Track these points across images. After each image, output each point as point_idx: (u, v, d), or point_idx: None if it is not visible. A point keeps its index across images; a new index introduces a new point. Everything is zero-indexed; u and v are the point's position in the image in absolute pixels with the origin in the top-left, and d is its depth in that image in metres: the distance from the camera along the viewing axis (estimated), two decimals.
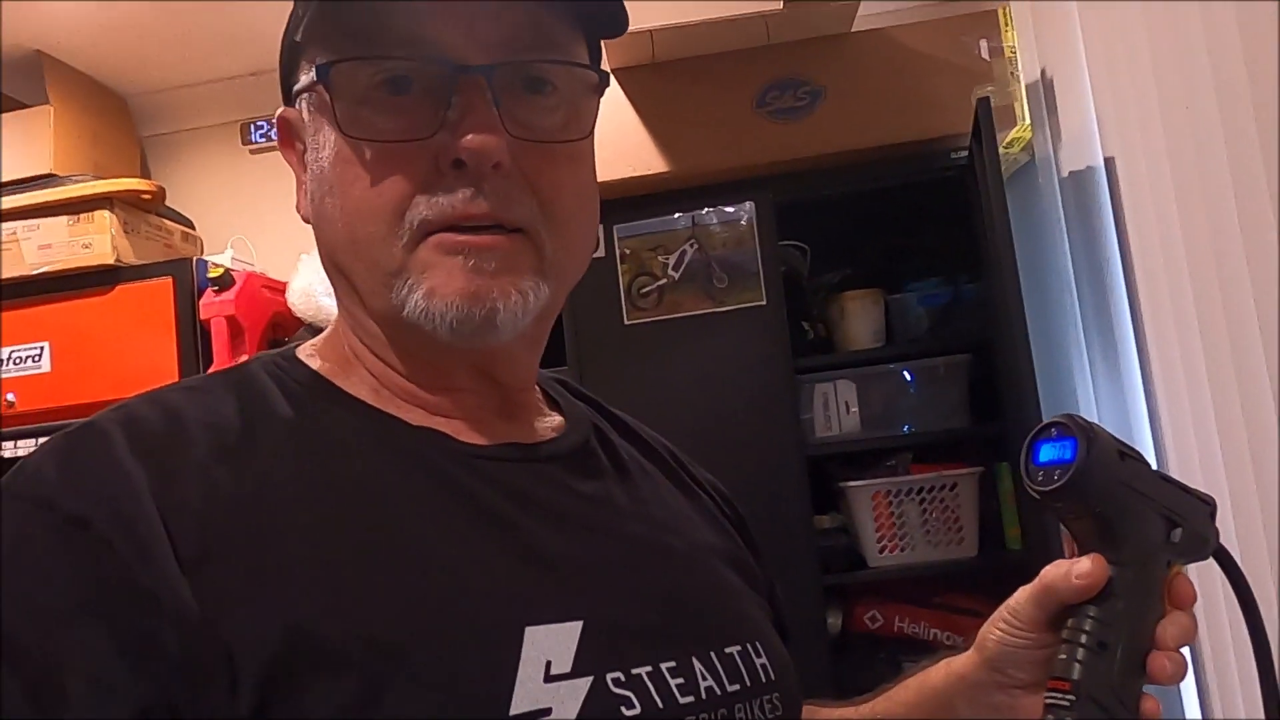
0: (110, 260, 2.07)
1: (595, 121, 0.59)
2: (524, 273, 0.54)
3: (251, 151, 2.65)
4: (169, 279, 2.08)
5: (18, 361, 2.13)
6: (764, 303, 1.82)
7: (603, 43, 1.87)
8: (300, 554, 0.48)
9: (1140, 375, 1.41)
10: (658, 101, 1.82)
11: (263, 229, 2.49)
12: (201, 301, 2.05)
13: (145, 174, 2.63)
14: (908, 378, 1.91)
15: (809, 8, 1.72)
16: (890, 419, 1.91)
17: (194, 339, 2.05)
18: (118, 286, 2.09)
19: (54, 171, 2.22)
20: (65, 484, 0.47)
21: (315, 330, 2.03)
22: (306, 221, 0.59)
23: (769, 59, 1.80)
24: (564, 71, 0.56)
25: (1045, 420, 0.50)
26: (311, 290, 2.00)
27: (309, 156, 0.58)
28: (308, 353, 0.60)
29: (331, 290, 1.98)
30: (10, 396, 2.11)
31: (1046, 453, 0.49)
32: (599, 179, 1.96)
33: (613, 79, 1.79)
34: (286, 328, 2.12)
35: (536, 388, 0.65)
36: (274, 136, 2.22)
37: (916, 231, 2.05)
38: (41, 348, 2.12)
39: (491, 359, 0.58)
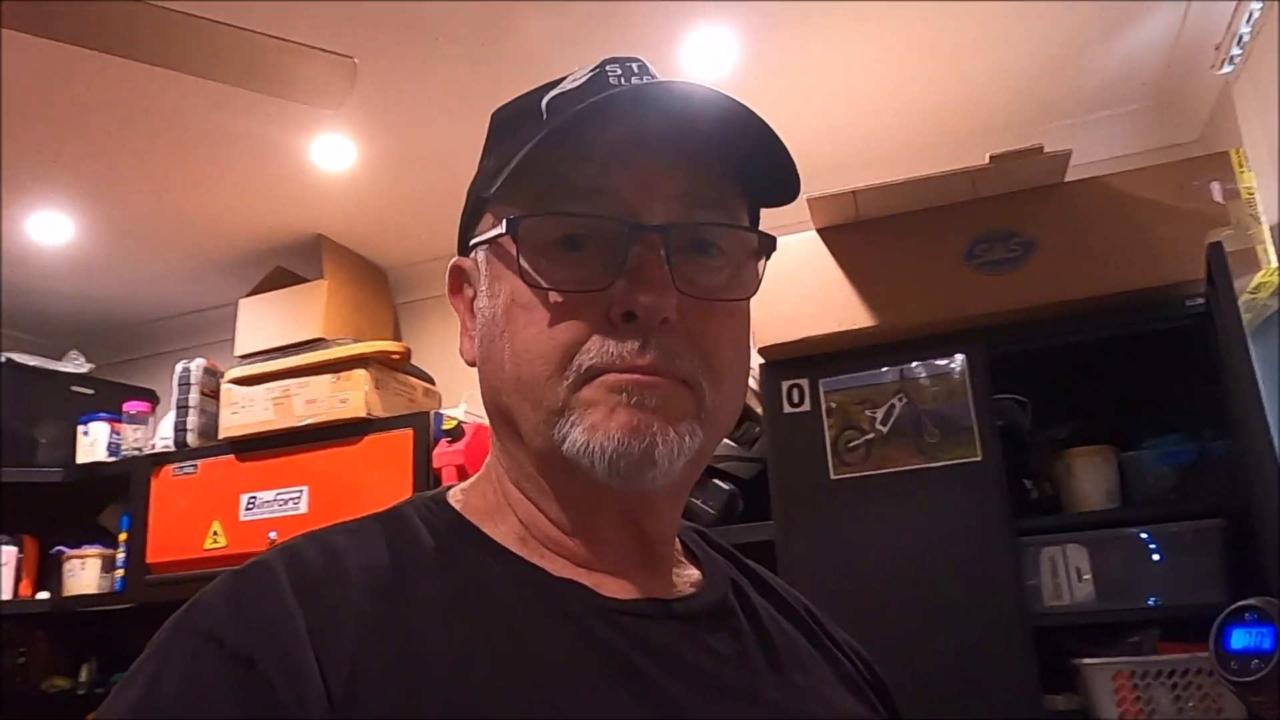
0: (363, 414, 2.31)
1: (759, 283, 0.61)
2: (683, 416, 0.56)
3: None
4: (410, 430, 2.28)
5: (282, 503, 2.38)
6: (980, 458, 1.74)
7: (808, 203, 1.90)
8: (446, 703, 0.49)
9: None
10: (862, 257, 1.84)
11: None
12: (435, 451, 2.23)
13: (397, 336, 2.94)
14: (1149, 543, 1.73)
15: (1018, 160, 1.70)
16: (1131, 589, 1.72)
17: (427, 485, 2.21)
18: (366, 437, 2.32)
19: (323, 336, 2.54)
20: (235, 621, 0.49)
21: None
22: (470, 364, 0.63)
23: (976, 212, 1.78)
24: (730, 234, 0.59)
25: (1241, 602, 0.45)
26: None
27: (480, 303, 0.61)
28: (457, 497, 0.62)
29: None
30: (273, 534, 2.35)
31: (1240, 639, 0.44)
32: (804, 334, 1.96)
33: (818, 238, 1.84)
34: None
35: (677, 539, 0.65)
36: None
37: (1152, 384, 1.90)
38: (301, 491, 2.37)
39: (638, 504, 0.59)
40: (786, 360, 1.90)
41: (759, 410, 2.02)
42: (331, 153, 2.32)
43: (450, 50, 1.98)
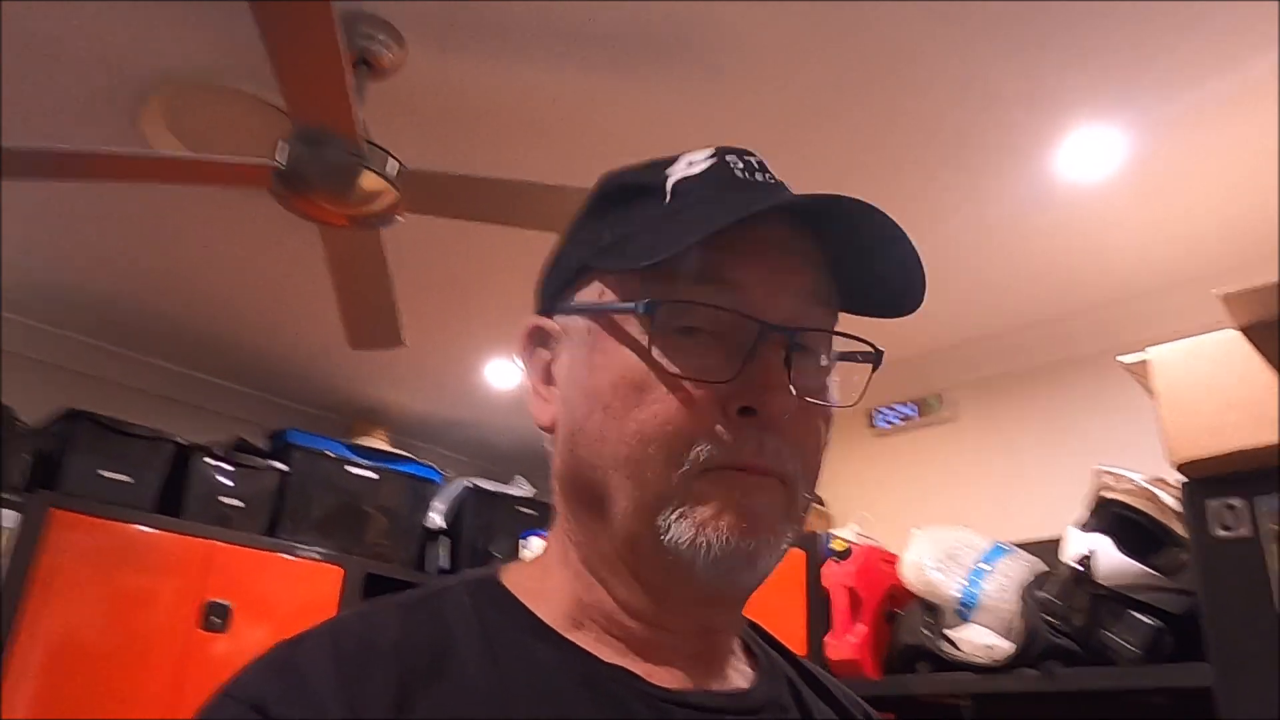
0: None
1: (864, 391, 0.61)
2: (780, 519, 0.55)
3: (876, 435, 2.91)
4: (801, 551, 2.34)
5: None
6: None
7: (1224, 300, 1.74)
8: None
9: None
10: None
11: (884, 506, 2.68)
12: (825, 571, 2.26)
13: None
14: None
15: None
16: None
17: (818, 604, 2.24)
18: None
19: None
20: (280, 693, 0.49)
21: (928, 602, 2.08)
22: (544, 429, 0.62)
23: None
24: (842, 342, 0.60)
25: None
26: (921, 564, 2.08)
27: (566, 369, 0.60)
28: (507, 576, 0.61)
29: (941, 564, 2.02)
30: None
31: None
32: (1233, 447, 1.76)
33: (1241, 337, 1.65)
34: (900, 599, 2.20)
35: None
36: (894, 421, 2.44)
37: None
38: None
39: (715, 602, 0.58)
40: (1213, 477, 1.68)
41: (1182, 533, 1.79)
42: None
43: None
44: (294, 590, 2.93)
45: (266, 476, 3.02)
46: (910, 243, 0.56)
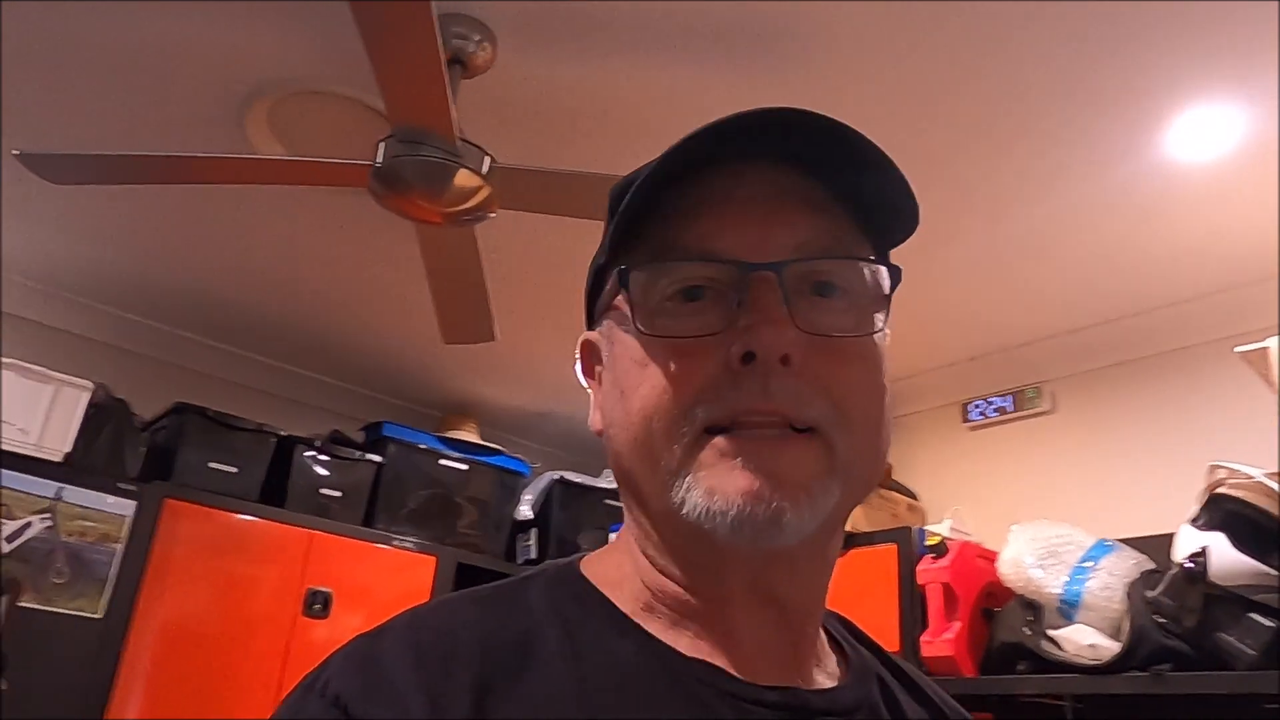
0: (847, 528, 2.39)
1: (886, 319, 0.56)
2: (811, 473, 0.51)
3: (970, 429, 2.84)
4: (893, 545, 2.30)
5: None
6: None
7: None
8: None
9: None
10: None
11: (980, 501, 2.61)
12: (919, 567, 2.21)
13: None
14: None
15: None
16: None
17: (912, 601, 2.20)
18: (851, 550, 2.38)
19: None
20: (360, 690, 0.49)
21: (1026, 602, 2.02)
22: (598, 434, 0.60)
23: None
24: (853, 272, 0.55)
25: None
26: (1021, 561, 2.02)
27: (605, 371, 0.59)
28: (588, 565, 0.60)
29: (1041, 561, 1.98)
30: None
31: None
32: None
33: None
34: (998, 597, 2.14)
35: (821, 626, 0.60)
36: (989, 414, 2.38)
37: None
38: None
39: (769, 567, 0.54)
40: None
41: None
42: None
43: None
44: (390, 579, 3.01)
45: (363, 468, 3.11)
46: (873, 146, 0.52)
